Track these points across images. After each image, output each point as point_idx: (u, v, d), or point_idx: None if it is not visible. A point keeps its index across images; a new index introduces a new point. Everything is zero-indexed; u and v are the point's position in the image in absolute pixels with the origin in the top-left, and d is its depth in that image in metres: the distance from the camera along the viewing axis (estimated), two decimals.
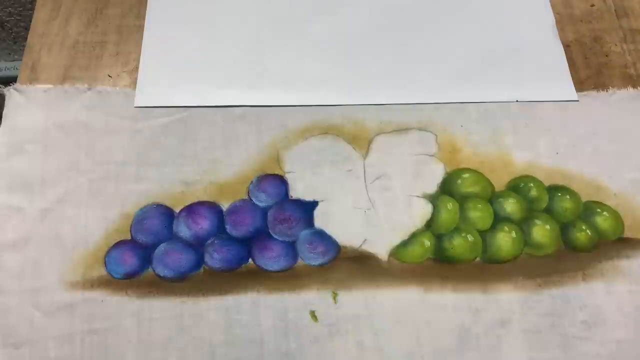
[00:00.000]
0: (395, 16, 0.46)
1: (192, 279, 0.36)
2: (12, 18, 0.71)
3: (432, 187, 0.39)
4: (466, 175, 0.40)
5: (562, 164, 0.40)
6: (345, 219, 0.38)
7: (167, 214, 0.38)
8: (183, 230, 0.37)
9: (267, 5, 0.46)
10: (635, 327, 0.36)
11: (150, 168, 0.39)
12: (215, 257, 0.37)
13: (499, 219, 0.39)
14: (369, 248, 0.37)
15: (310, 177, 0.39)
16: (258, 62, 0.44)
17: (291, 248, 0.37)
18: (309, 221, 0.38)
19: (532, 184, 0.39)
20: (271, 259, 0.37)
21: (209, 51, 0.44)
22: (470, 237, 0.38)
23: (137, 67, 0.43)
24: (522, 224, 0.38)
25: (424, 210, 0.39)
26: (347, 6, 0.46)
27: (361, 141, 0.41)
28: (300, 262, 0.37)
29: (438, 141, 0.41)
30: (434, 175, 0.40)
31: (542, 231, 0.38)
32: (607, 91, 0.43)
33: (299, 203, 0.39)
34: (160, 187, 0.39)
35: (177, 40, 0.44)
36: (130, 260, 0.36)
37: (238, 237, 0.38)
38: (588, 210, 0.39)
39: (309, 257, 0.37)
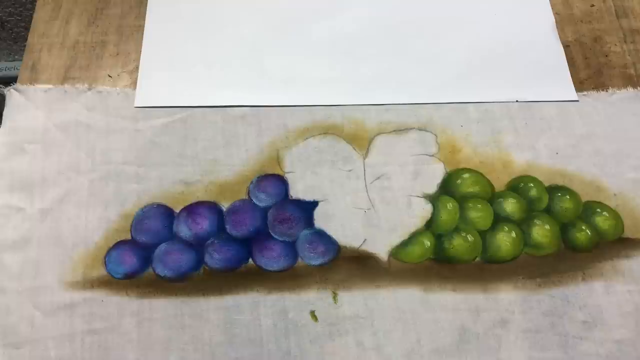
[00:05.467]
0: (395, 16, 0.46)
1: (192, 279, 0.36)
2: (12, 18, 0.71)
3: (432, 187, 0.39)
4: (466, 175, 0.40)
5: (562, 164, 0.40)
6: (345, 219, 0.38)
7: (167, 214, 0.38)
8: (183, 230, 0.37)
9: (267, 6, 0.46)
10: (635, 327, 0.36)
11: (150, 168, 0.39)
12: (215, 257, 0.37)
13: (499, 219, 0.39)
14: (369, 248, 0.37)
15: (310, 177, 0.39)
16: (258, 62, 0.44)
17: (291, 248, 0.37)
18: (309, 221, 0.38)
19: (532, 184, 0.40)
20: (271, 259, 0.37)
21: (209, 51, 0.44)
22: (470, 237, 0.38)
23: (137, 67, 0.43)
24: (522, 224, 0.38)
25: (424, 210, 0.39)
26: (347, 6, 0.46)
27: (361, 141, 0.41)
28: (300, 262, 0.37)
29: (438, 141, 0.41)
30: (434, 175, 0.40)
31: (542, 231, 0.38)
32: (607, 91, 0.43)
33: (299, 203, 0.39)
34: (160, 187, 0.39)
35: (177, 40, 0.44)
36: (130, 260, 0.36)
37: (238, 237, 0.38)
38: (588, 210, 0.39)
39: (309, 257, 0.37)
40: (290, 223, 0.38)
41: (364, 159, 0.40)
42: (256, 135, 0.41)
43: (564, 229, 0.38)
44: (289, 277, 0.36)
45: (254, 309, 0.35)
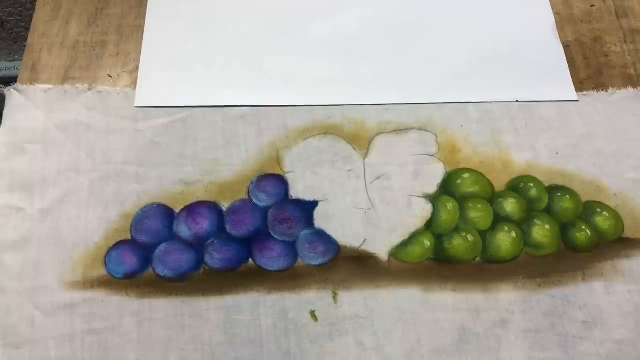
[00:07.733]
0: (395, 16, 0.46)
1: (192, 279, 0.36)
2: (12, 18, 0.71)
3: (432, 187, 0.39)
4: (466, 175, 0.40)
5: (562, 164, 0.40)
6: (345, 219, 0.38)
7: (167, 214, 0.38)
8: (183, 230, 0.37)
9: (267, 6, 0.46)
10: (635, 327, 0.36)
11: (150, 168, 0.39)
12: (215, 257, 0.37)
13: (499, 219, 0.39)
14: (369, 248, 0.37)
15: (310, 177, 0.39)
16: (258, 62, 0.44)
17: (291, 248, 0.37)
18: (309, 221, 0.38)
19: (532, 184, 0.40)
20: (271, 259, 0.37)
21: (209, 51, 0.44)
22: (470, 237, 0.38)
23: (137, 67, 0.43)
24: (522, 224, 0.38)
25: (424, 210, 0.39)
26: (347, 6, 0.46)
27: (361, 141, 0.41)
28: (300, 262, 0.37)
29: (438, 141, 0.41)
30: (434, 175, 0.40)
31: (542, 231, 0.38)
32: (607, 91, 0.43)
33: (299, 203, 0.39)
34: (160, 187, 0.39)
35: (177, 40, 0.44)
36: (130, 260, 0.36)
37: (238, 237, 0.38)
38: (588, 210, 0.39)
39: (309, 257, 0.37)
40: (290, 223, 0.38)
41: (364, 159, 0.40)
42: (256, 135, 0.41)
43: (564, 229, 0.38)
44: (289, 277, 0.36)
45: (254, 309, 0.36)
